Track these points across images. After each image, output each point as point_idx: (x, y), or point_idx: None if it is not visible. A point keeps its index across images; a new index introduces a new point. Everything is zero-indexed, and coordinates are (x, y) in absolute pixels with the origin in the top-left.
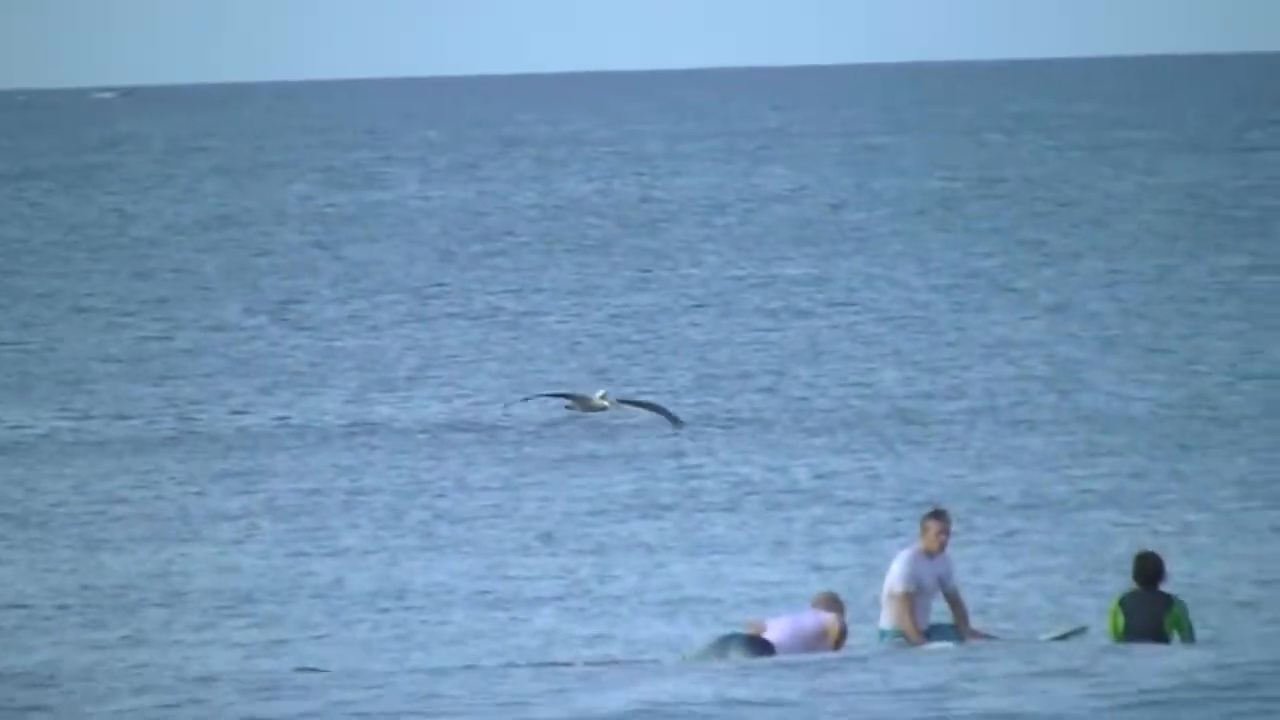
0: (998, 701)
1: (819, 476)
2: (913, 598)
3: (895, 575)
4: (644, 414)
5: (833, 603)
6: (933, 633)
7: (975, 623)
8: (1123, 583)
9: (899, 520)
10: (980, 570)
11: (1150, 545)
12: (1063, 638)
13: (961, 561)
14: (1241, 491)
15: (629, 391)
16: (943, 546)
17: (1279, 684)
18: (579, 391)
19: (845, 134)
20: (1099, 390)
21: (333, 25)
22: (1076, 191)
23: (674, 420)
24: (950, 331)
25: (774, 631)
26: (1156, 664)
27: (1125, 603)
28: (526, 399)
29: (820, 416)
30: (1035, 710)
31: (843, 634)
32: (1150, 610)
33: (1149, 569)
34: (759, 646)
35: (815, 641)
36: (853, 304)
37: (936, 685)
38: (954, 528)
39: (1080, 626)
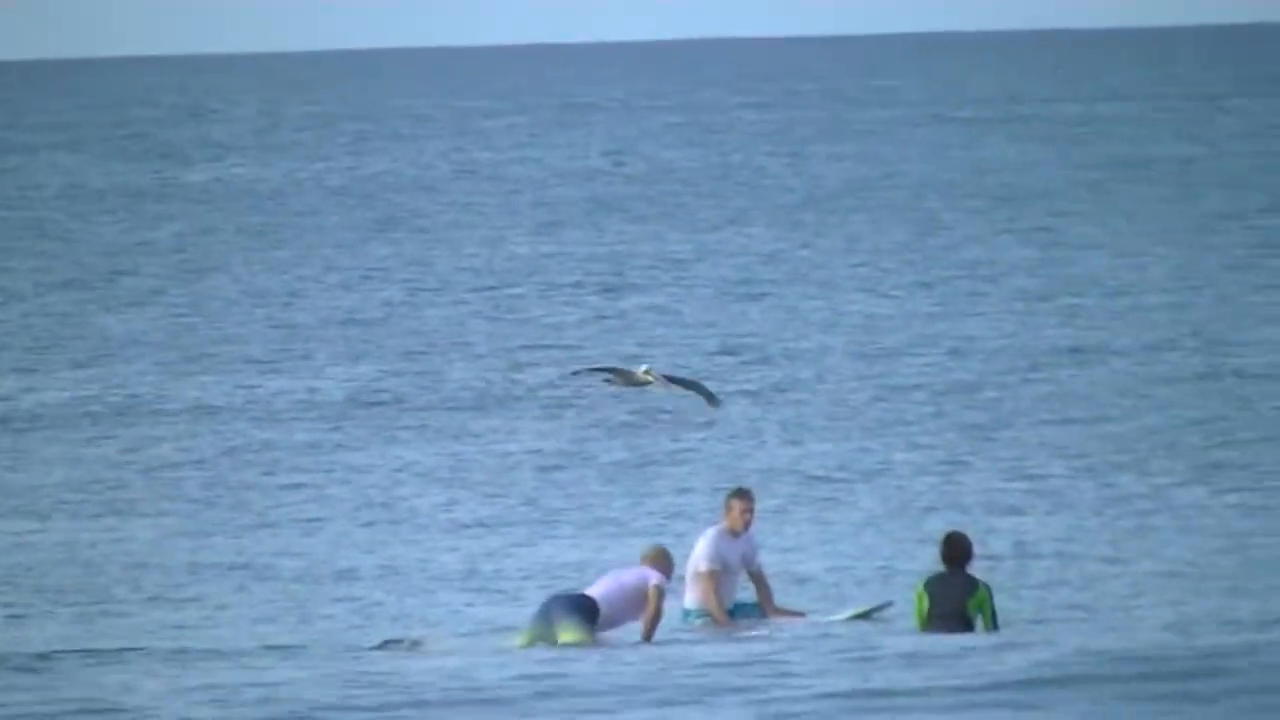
0: (808, 681)
1: (628, 451)
2: (717, 577)
3: (699, 554)
4: (684, 390)
5: (660, 558)
6: (737, 611)
7: (780, 600)
8: (932, 560)
9: (708, 497)
10: (788, 546)
11: (960, 523)
12: (866, 614)
13: (770, 537)
14: (1051, 465)
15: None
16: (747, 525)
17: (1088, 667)
18: (623, 366)
19: (645, 109)
20: (911, 363)
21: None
22: (893, 165)
23: (711, 398)
24: (757, 305)
25: (598, 587)
26: (956, 644)
27: (930, 585)
28: (575, 372)
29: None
30: (841, 685)
31: (661, 596)
32: (955, 593)
33: (956, 550)
34: (580, 603)
35: (636, 600)
36: (655, 278)
37: (744, 663)
38: (762, 503)
39: (884, 603)
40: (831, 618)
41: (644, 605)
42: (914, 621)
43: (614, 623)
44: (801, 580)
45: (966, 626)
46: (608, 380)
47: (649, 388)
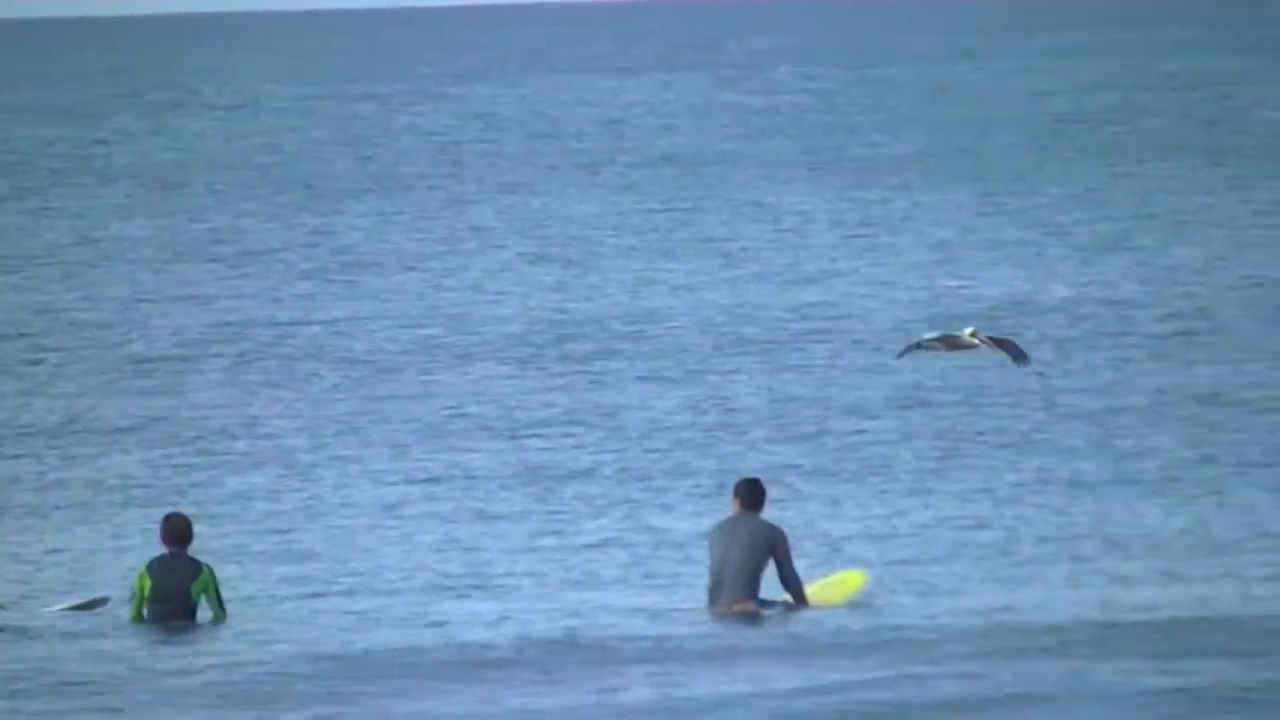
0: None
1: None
2: None
3: None
4: (1002, 349)
5: None
6: None
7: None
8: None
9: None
10: (20, 540)
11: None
12: (80, 608)
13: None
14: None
15: None
16: None
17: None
18: (948, 332)
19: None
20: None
21: None
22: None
23: (1019, 355)
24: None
25: None
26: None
27: (153, 567)
28: (919, 345)
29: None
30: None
31: None
32: (179, 576)
33: (177, 531)
34: None
35: None
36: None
37: None
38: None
39: (100, 597)
40: (45, 609)
41: None
42: (133, 604)
43: None
44: (15, 572)
45: (190, 610)
46: (927, 348)
47: (974, 350)
